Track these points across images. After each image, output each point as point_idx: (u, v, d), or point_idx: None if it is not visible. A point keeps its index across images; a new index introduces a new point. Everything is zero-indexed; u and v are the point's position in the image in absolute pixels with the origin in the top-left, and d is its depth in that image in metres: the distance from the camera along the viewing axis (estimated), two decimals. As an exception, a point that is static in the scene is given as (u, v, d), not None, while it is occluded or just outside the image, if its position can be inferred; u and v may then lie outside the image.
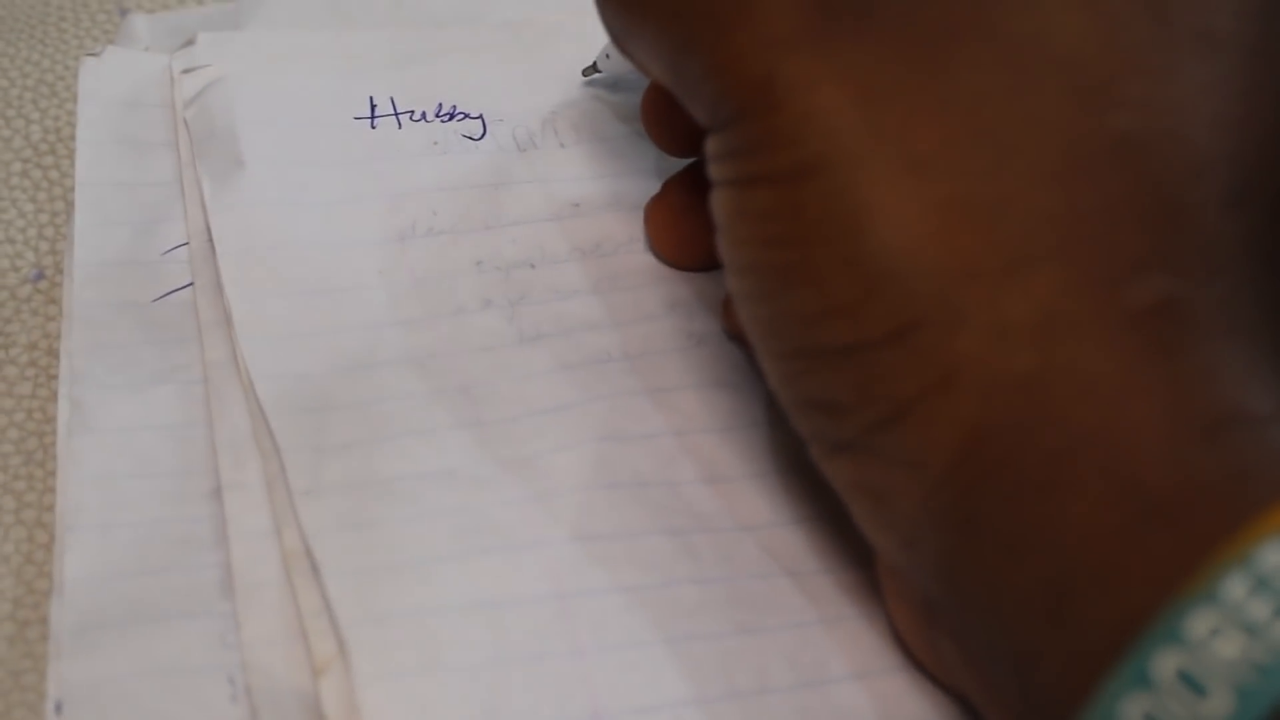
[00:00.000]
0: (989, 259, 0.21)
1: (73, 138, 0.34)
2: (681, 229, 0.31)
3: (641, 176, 0.33)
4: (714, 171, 0.24)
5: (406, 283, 0.31)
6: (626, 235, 0.32)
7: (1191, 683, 0.18)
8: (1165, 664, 0.18)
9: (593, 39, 0.34)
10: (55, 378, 0.30)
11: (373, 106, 0.34)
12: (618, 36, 0.26)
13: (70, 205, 0.33)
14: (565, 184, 0.33)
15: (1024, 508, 0.21)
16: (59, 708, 0.24)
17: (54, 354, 0.31)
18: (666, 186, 0.31)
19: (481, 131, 0.34)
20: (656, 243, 0.31)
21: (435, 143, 0.33)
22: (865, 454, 0.23)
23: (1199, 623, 0.18)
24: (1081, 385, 0.21)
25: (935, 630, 0.24)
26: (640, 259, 0.32)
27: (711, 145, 0.24)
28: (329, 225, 0.31)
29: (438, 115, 0.34)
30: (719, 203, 0.24)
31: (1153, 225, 0.21)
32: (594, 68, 0.35)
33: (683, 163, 0.32)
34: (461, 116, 0.34)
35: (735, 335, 0.30)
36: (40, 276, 0.32)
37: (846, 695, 0.25)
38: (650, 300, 0.31)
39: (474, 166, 0.33)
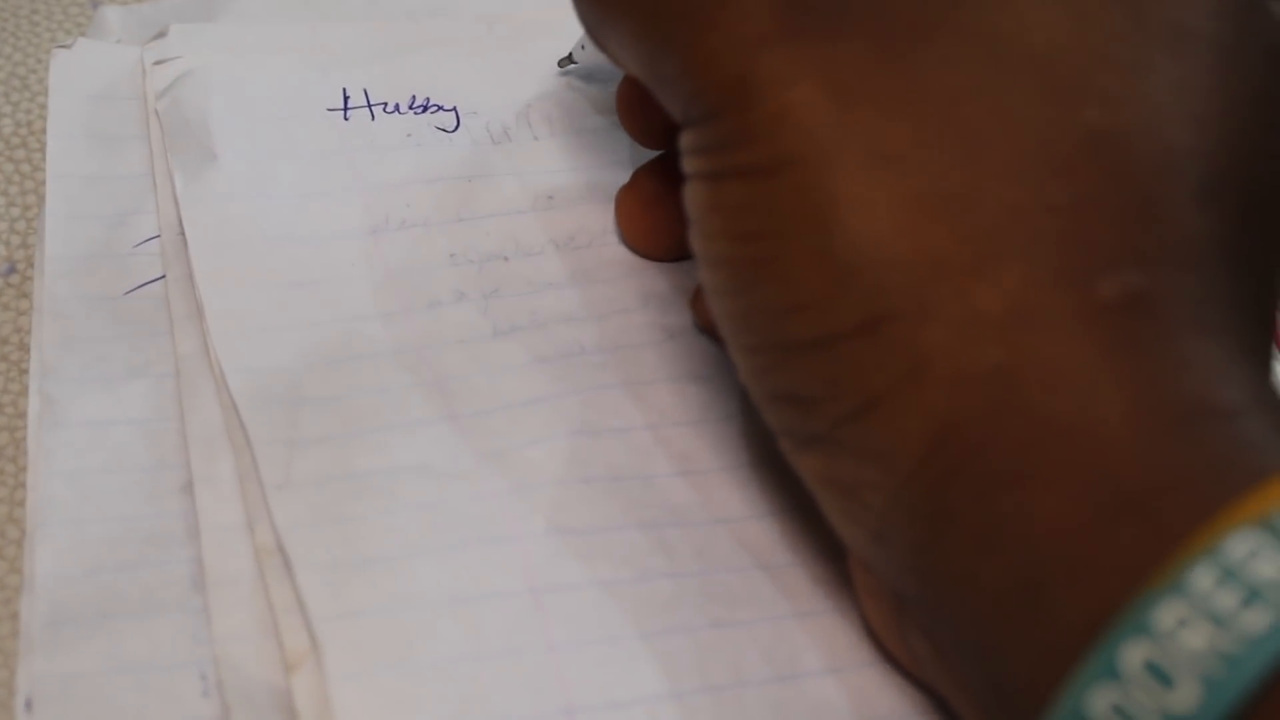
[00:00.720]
0: (958, 252, 0.21)
1: (44, 131, 0.34)
2: (651, 218, 0.31)
3: (616, 168, 0.33)
4: (688, 165, 0.24)
5: (380, 276, 0.30)
6: (601, 227, 0.32)
7: (1159, 673, 0.18)
8: (1133, 655, 0.18)
9: (567, 34, 0.34)
10: (26, 372, 0.30)
11: (346, 98, 0.34)
12: (593, 31, 0.26)
13: (42, 199, 0.33)
14: (539, 176, 0.33)
15: (994, 500, 0.21)
16: (29, 704, 0.24)
17: (25, 348, 0.30)
18: (637, 176, 0.31)
19: (455, 124, 0.34)
20: (626, 232, 0.32)
21: (408, 135, 0.33)
22: (835, 448, 0.23)
23: (1167, 614, 0.18)
24: (1050, 378, 0.21)
25: (906, 625, 0.24)
26: (615, 251, 0.32)
27: (686, 139, 0.24)
28: (301, 218, 0.31)
29: (411, 107, 0.34)
30: (692, 196, 0.24)
31: (1124, 220, 0.22)
32: (569, 59, 0.35)
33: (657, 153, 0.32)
34: (435, 109, 0.34)
35: (706, 328, 0.30)
36: (11, 270, 0.32)
37: (821, 689, 0.25)
38: (625, 293, 0.31)
39: (447, 158, 0.33)
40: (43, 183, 0.33)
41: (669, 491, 0.27)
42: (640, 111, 0.30)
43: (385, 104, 0.34)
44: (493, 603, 0.25)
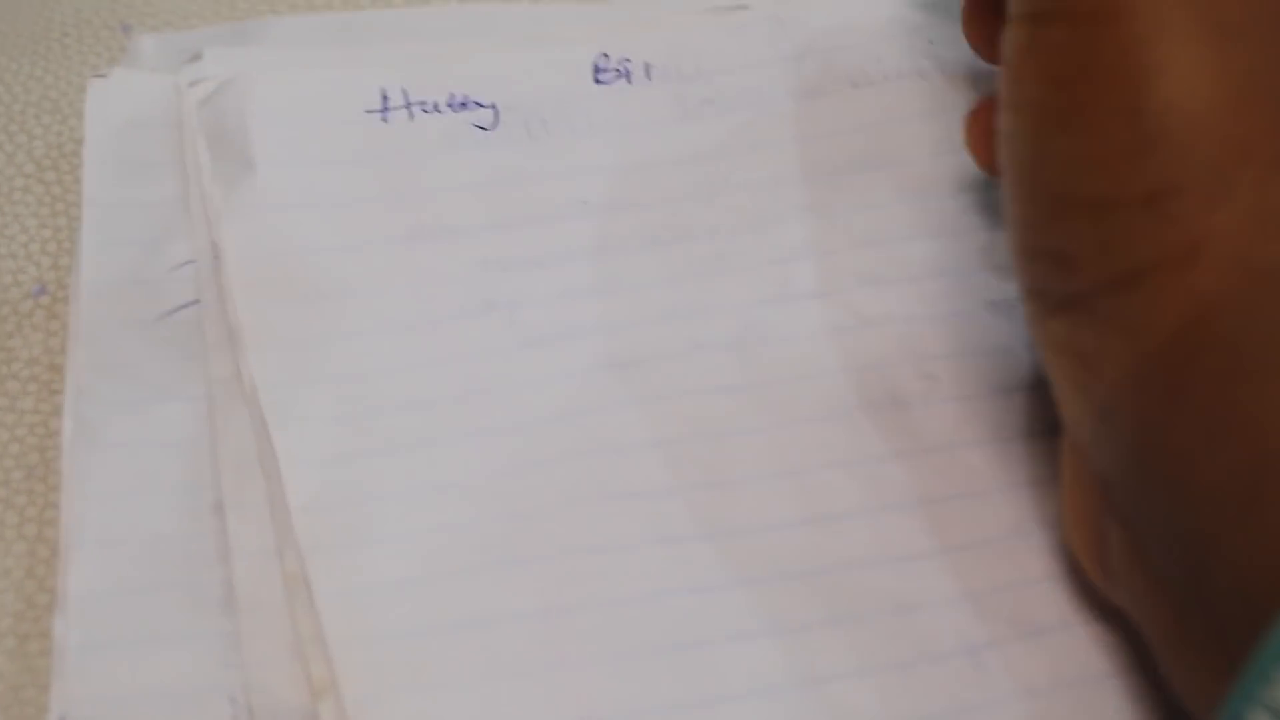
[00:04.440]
0: (1269, 142, 0.21)
1: (75, 154, 0.34)
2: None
3: (651, 170, 0.33)
4: (1014, 6, 0.24)
5: (409, 285, 0.30)
6: (630, 233, 0.32)
7: None
8: None
9: (604, 36, 0.35)
10: (57, 393, 0.30)
11: (384, 98, 0.34)
12: None
13: (73, 221, 0.33)
14: (576, 175, 0.33)
15: (1234, 390, 0.20)
16: (61, 722, 0.24)
17: (56, 369, 0.31)
18: (986, 100, 0.30)
19: (494, 121, 0.34)
20: (978, 153, 0.30)
21: (446, 134, 0.33)
22: (1086, 313, 0.23)
23: None
24: None
25: (1107, 521, 0.23)
26: (644, 260, 0.31)
27: None
28: (336, 228, 0.31)
29: (449, 105, 0.34)
30: (1011, 38, 0.24)
31: None
32: None
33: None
34: (474, 105, 0.34)
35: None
36: (42, 291, 0.32)
37: (842, 695, 0.25)
38: (653, 304, 0.31)
39: (484, 161, 0.33)
40: (74, 205, 0.33)
41: (689, 506, 0.27)
42: (982, 23, 0.30)
43: (424, 103, 0.34)
44: (507, 624, 0.25)
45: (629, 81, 0.34)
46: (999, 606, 0.26)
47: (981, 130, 0.29)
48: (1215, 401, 0.21)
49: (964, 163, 0.31)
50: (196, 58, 0.35)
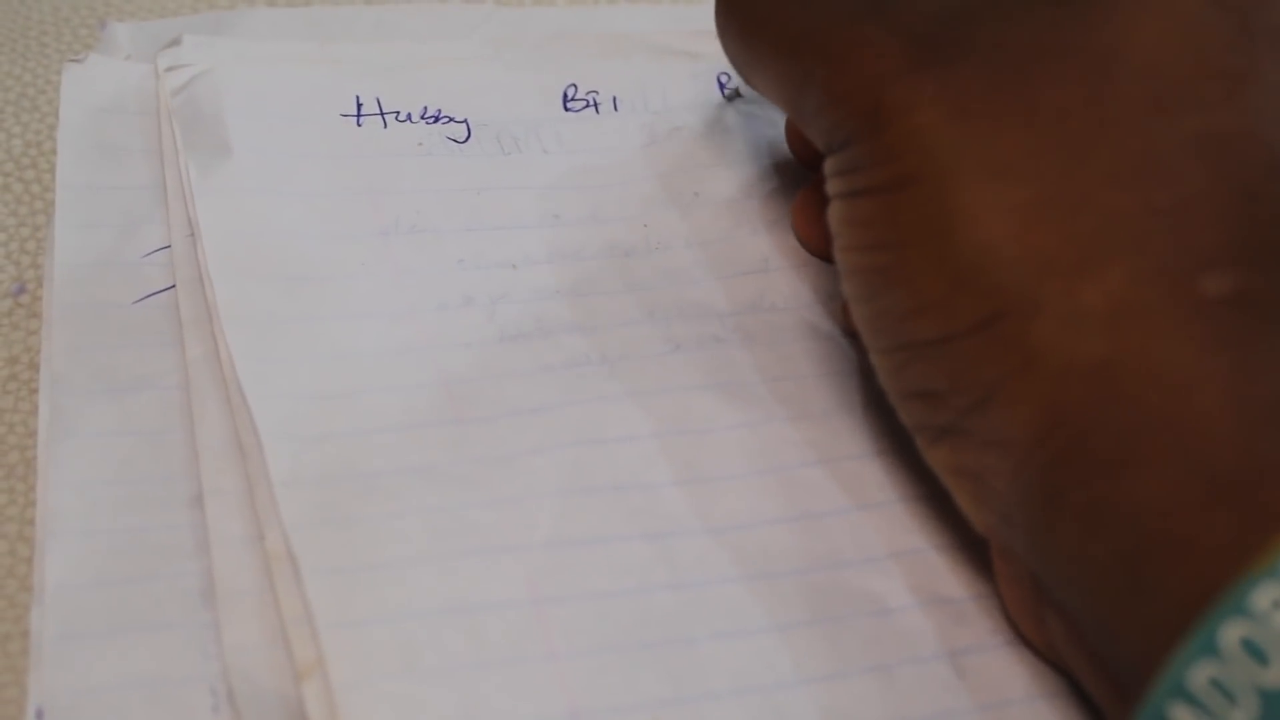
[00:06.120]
0: (1064, 253, 0.23)
1: (54, 151, 0.34)
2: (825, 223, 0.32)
3: (623, 187, 0.34)
4: (830, 187, 0.26)
5: (389, 275, 0.31)
6: (605, 243, 0.32)
7: (1255, 651, 0.19)
8: (1231, 634, 0.19)
9: (574, 66, 0.35)
10: (36, 392, 0.30)
11: (359, 105, 0.34)
12: (741, 71, 0.30)
13: (51, 219, 0.33)
14: (547, 191, 0.33)
15: (1099, 484, 0.22)
16: (40, 715, 0.24)
17: (35, 368, 0.30)
18: (811, 188, 0.33)
19: (466, 135, 0.34)
20: (803, 234, 0.33)
21: (420, 144, 0.34)
22: (962, 437, 0.24)
23: (1263, 596, 0.19)
24: (1152, 370, 0.22)
25: (1043, 606, 0.24)
26: (618, 264, 0.32)
27: (827, 166, 0.27)
28: (313, 216, 0.31)
29: (423, 117, 0.34)
30: (833, 215, 0.26)
31: (1227, 220, 0.23)
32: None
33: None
34: (446, 120, 0.34)
35: (849, 333, 0.31)
36: (21, 290, 0.32)
37: (824, 696, 0.25)
38: (629, 306, 0.31)
39: (458, 169, 0.33)
40: (52, 203, 0.33)
41: (672, 501, 0.27)
42: (803, 142, 0.33)
43: (398, 113, 0.34)
44: (494, 612, 0.25)
45: (597, 112, 0.35)
46: (982, 612, 0.26)
47: (808, 216, 0.32)
48: (1086, 498, 0.22)
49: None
50: (175, 42, 0.35)
